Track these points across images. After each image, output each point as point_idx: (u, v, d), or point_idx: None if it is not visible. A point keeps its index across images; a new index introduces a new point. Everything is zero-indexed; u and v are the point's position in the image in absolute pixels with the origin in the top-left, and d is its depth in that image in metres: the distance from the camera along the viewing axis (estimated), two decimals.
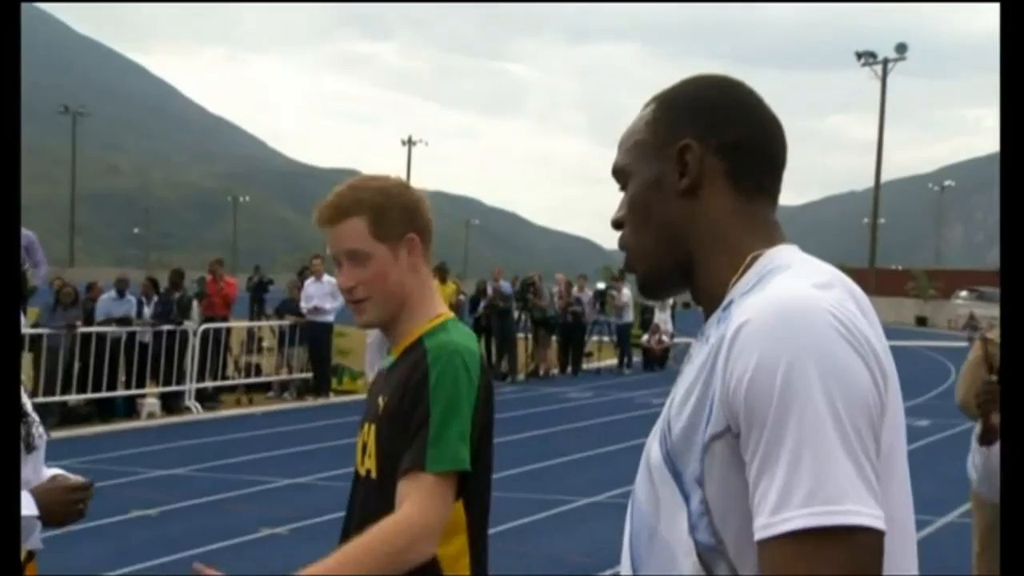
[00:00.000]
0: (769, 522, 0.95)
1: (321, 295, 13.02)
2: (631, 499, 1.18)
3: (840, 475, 0.93)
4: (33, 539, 2.17)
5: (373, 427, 1.76)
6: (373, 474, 1.74)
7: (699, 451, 1.03)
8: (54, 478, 2.22)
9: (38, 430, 2.26)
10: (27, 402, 2.29)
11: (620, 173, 1.23)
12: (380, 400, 1.77)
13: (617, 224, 1.23)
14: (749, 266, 1.11)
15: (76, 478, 2.23)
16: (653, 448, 1.11)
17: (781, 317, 0.99)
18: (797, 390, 0.95)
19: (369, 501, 1.73)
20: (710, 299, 1.15)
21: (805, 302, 1.00)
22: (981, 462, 2.83)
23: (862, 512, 0.93)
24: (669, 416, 1.10)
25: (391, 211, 1.75)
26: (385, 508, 1.67)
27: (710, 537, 1.03)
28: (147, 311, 11.89)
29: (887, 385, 1.01)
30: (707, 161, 1.15)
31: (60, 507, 2.15)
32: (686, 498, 1.05)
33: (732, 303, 1.08)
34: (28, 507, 2.10)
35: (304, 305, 13.14)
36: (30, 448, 2.21)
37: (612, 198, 1.27)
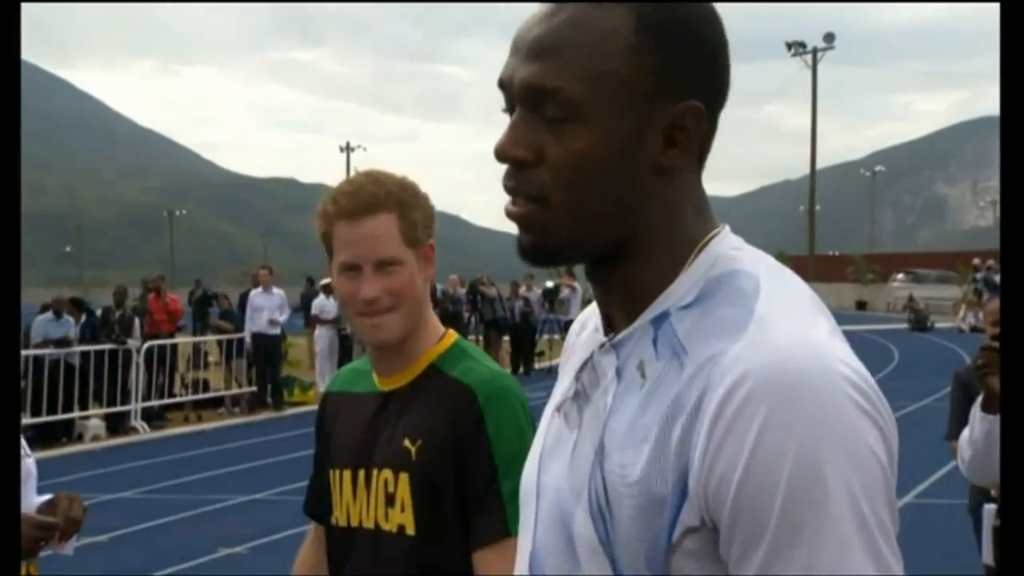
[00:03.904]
0: None
1: (271, 307, 12.82)
2: (528, 562, 0.95)
3: None
4: None
5: (404, 476, 1.52)
6: (409, 530, 1.52)
7: (660, 544, 0.81)
8: (50, 502, 2.13)
9: (22, 452, 2.15)
10: None
11: (565, 101, 0.85)
12: (405, 443, 1.53)
13: (520, 162, 0.88)
14: (692, 261, 0.89)
15: (66, 501, 2.11)
16: (579, 520, 0.87)
17: (788, 386, 0.76)
18: (810, 487, 0.75)
19: (409, 561, 1.52)
20: (636, 293, 0.90)
21: (818, 365, 0.78)
22: (982, 435, 2.79)
23: None
24: (602, 482, 0.85)
25: (417, 212, 1.54)
26: (438, 568, 1.51)
27: None
28: (73, 332, 11.55)
29: (895, 435, 0.83)
30: (702, 130, 0.88)
31: (27, 542, 2.02)
32: None
33: (668, 315, 0.86)
34: None
35: (250, 317, 12.92)
36: None
37: None
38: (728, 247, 0.90)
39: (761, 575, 0.77)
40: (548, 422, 0.99)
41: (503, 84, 0.90)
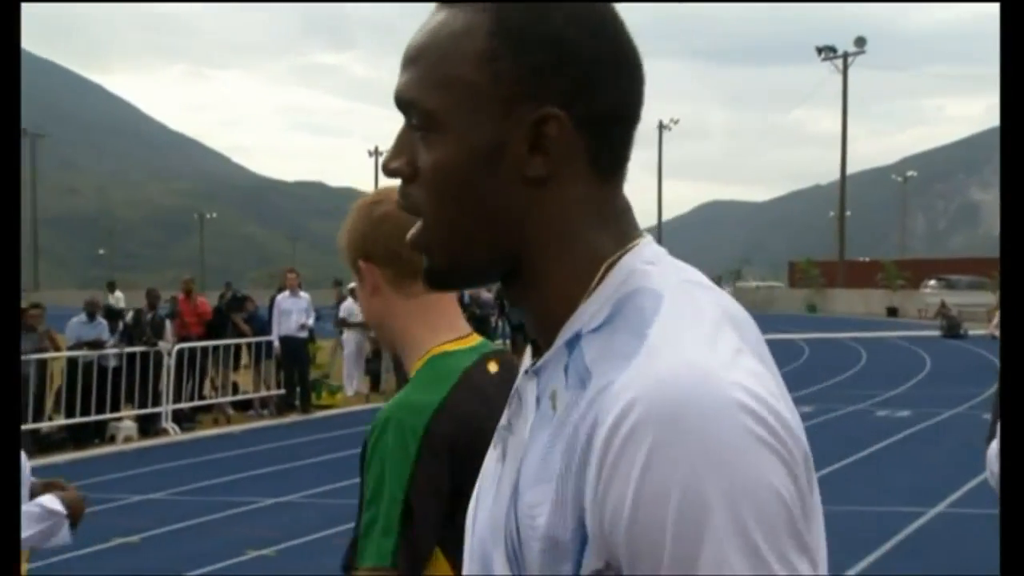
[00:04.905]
0: None
1: (298, 310, 12.92)
2: None
3: None
4: (63, 534, 2.28)
5: None
6: None
7: None
8: (46, 485, 2.36)
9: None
10: None
11: (421, 112, 0.84)
12: None
13: (398, 174, 0.86)
14: (601, 279, 0.83)
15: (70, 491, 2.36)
16: (497, 563, 0.83)
17: (672, 417, 0.71)
18: (696, 523, 0.70)
19: None
20: (546, 315, 0.86)
21: (706, 391, 0.72)
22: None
23: None
24: (515, 523, 0.81)
25: (348, 242, 1.72)
26: None
27: None
28: (107, 334, 11.68)
29: (806, 463, 0.75)
30: (569, 138, 0.82)
31: (78, 510, 2.28)
32: None
33: (580, 338, 0.81)
34: (54, 503, 2.26)
35: (277, 320, 13.01)
36: None
37: None
38: (641, 261, 0.83)
39: None
40: (488, 453, 0.94)
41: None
